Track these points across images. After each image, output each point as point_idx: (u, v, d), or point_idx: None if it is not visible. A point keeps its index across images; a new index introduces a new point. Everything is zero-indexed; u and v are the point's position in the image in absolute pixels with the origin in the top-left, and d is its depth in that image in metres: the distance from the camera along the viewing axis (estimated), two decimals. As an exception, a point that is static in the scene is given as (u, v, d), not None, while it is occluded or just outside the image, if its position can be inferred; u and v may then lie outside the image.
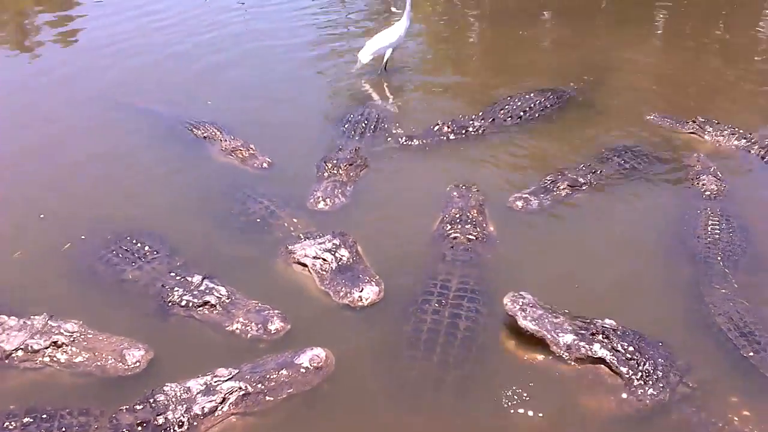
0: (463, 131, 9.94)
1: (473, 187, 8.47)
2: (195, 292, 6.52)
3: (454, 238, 7.49)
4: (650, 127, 10.23)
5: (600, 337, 5.81)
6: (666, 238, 7.70)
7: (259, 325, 6.24)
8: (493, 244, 7.61)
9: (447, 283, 6.71)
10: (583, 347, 5.81)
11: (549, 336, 5.93)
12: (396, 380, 5.85)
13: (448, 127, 9.89)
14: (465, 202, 8.11)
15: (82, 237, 7.56)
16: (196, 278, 6.69)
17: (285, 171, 9.18)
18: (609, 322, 5.98)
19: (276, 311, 6.37)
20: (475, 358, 5.98)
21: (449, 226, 7.69)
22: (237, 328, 6.27)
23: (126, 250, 7.15)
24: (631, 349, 5.71)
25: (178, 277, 6.75)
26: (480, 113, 10.41)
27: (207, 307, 6.42)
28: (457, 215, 7.84)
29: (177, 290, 6.56)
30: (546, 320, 6.00)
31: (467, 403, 5.65)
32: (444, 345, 6.01)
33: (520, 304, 6.12)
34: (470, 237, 7.50)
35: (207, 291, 6.53)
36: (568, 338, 5.88)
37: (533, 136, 10.10)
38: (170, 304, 6.49)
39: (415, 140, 9.70)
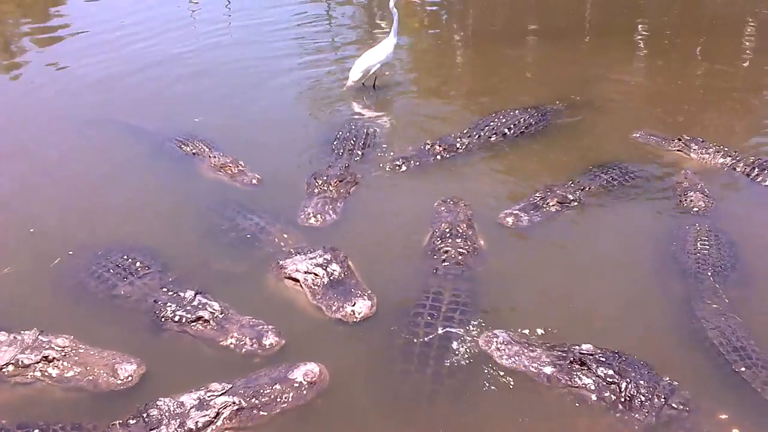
0: (455, 149, 9.99)
1: (461, 201, 8.54)
2: (188, 308, 6.49)
3: (446, 252, 7.52)
4: (636, 145, 10.32)
5: (577, 365, 5.82)
6: (655, 253, 7.74)
7: (254, 340, 6.22)
8: (484, 257, 7.65)
9: (439, 297, 6.74)
10: (563, 378, 5.83)
11: (528, 371, 5.95)
12: (390, 393, 5.86)
13: (440, 146, 9.90)
14: (454, 217, 8.17)
15: (70, 252, 7.52)
16: (189, 293, 6.66)
17: (274, 187, 9.18)
18: (586, 347, 5.98)
19: (270, 326, 6.35)
20: (468, 370, 6.00)
21: (440, 241, 7.72)
22: (231, 343, 6.24)
23: (117, 265, 7.13)
24: (610, 372, 5.71)
25: (170, 293, 6.74)
26: (465, 130, 10.48)
27: (201, 322, 6.39)
28: (447, 230, 7.87)
29: (170, 306, 6.53)
30: (523, 356, 6.03)
31: (461, 415, 5.65)
32: (437, 357, 6.04)
33: (495, 344, 6.14)
34: (461, 251, 7.53)
35: (200, 306, 6.51)
36: (548, 370, 5.91)
37: (520, 153, 10.19)
38: (163, 319, 6.46)
39: (408, 163, 9.59)
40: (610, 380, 5.68)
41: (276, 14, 17.11)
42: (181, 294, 6.68)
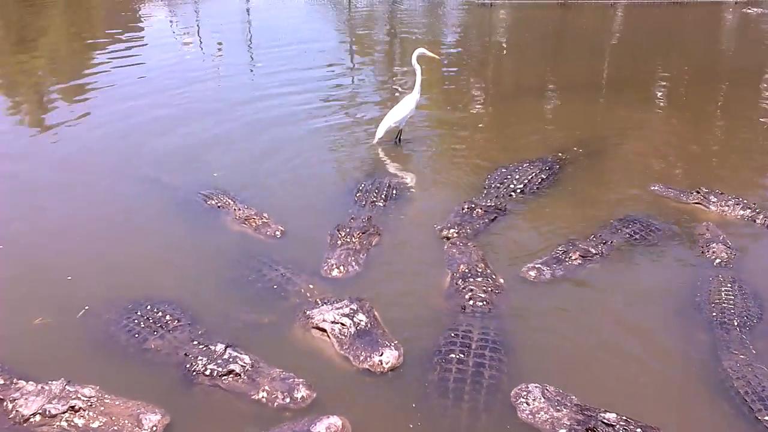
0: (493, 209, 9.83)
1: (469, 242, 8.68)
2: (219, 361, 6.48)
3: (470, 290, 7.64)
4: (655, 198, 10.39)
5: None
6: (679, 304, 7.75)
7: (285, 393, 6.19)
8: (507, 295, 7.77)
9: (468, 334, 6.84)
10: None
11: (543, 430, 5.90)
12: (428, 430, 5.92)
13: (481, 209, 9.69)
14: (468, 258, 8.31)
15: (86, 308, 7.53)
16: (219, 347, 6.67)
17: (298, 239, 9.23)
18: (609, 416, 5.78)
19: (301, 379, 6.33)
20: (503, 407, 6.08)
21: (462, 281, 7.84)
22: (263, 397, 6.21)
23: (147, 318, 7.18)
24: None
25: (201, 346, 6.75)
26: (484, 191, 10.53)
27: (232, 376, 6.37)
28: (467, 270, 8.01)
29: (201, 359, 6.54)
30: (545, 414, 5.95)
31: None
32: (472, 392, 6.14)
33: (523, 396, 6.13)
34: (485, 289, 7.67)
35: (231, 360, 6.50)
36: None
37: (538, 207, 10.24)
38: (194, 373, 6.46)
39: (461, 230, 9.23)
40: None
41: (298, 67, 17.38)
42: (212, 347, 6.68)
